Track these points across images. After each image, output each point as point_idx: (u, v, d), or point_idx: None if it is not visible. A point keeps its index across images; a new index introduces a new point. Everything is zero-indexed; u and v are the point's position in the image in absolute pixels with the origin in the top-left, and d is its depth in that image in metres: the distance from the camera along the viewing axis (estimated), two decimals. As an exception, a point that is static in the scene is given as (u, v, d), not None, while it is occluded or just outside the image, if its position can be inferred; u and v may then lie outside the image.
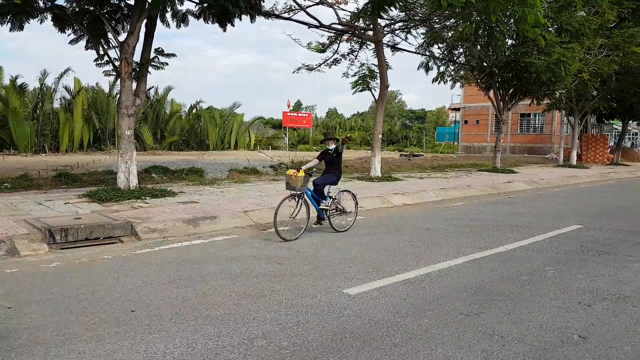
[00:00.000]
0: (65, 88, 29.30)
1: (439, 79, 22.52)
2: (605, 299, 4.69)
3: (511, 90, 21.79)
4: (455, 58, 21.47)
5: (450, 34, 18.46)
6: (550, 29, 18.41)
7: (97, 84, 31.43)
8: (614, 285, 5.16)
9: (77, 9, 10.57)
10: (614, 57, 21.79)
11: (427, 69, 21.09)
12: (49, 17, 10.44)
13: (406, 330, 3.84)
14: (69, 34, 10.89)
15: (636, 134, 48.67)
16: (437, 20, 16.41)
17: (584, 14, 20.80)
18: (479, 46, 19.40)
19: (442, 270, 5.64)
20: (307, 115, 48.41)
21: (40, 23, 10.56)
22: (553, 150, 38.06)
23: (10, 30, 9.98)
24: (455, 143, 49.95)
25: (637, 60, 22.12)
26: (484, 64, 20.57)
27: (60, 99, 29.28)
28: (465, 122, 47.93)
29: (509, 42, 19.63)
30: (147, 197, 9.67)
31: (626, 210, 11.11)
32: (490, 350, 3.52)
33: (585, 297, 4.73)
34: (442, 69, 22.05)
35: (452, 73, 22.87)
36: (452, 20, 16.45)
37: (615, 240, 7.51)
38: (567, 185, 17.37)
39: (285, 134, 43.98)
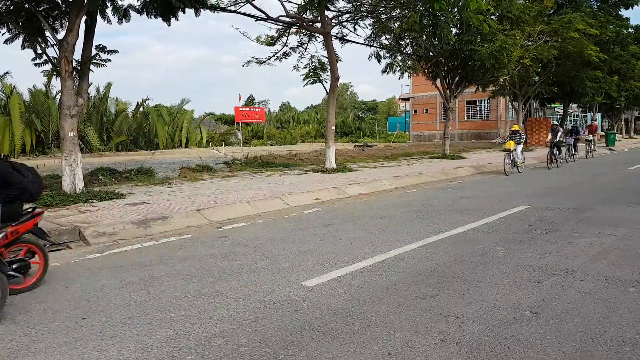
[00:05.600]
0: (2, 91, 27.83)
1: (387, 70, 22.82)
2: (554, 275, 4.89)
3: (457, 79, 22.36)
4: (402, 49, 21.79)
5: (396, 25, 18.72)
6: (492, 16, 19.01)
7: (34, 86, 30.03)
8: (561, 261, 5.38)
9: (12, 7, 10.00)
10: (553, 42, 22.75)
11: (379, 58, 21.31)
12: None
13: (365, 318, 3.87)
14: (4, 33, 10.36)
15: (577, 116, 51.14)
16: (383, 11, 16.58)
17: (524, 2, 21.61)
18: (424, 36, 19.77)
19: (398, 256, 5.72)
20: (259, 109, 48.03)
21: None
22: (499, 135, 39.48)
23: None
24: (407, 132, 50.93)
25: (575, 45, 23.22)
26: (430, 53, 21.00)
27: (-1, 102, 27.85)
28: (415, 111, 48.99)
29: (454, 31, 20.12)
30: (95, 200, 9.30)
31: (570, 189, 11.66)
32: (447, 331, 3.60)
33: (535, 274, 4.92)
34: (390, 59, 22.34)
35: (400, 63, 23.22)
36: (398, 11, 16.67)
37: (561, 218, 7.86)
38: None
39: (239, 130, 43.48)
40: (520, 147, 15.92)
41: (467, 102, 43.99)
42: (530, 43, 21.94)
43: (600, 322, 3.72)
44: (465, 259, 5.53)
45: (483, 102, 43.02)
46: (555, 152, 17.53)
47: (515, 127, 16.78)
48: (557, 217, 7.99)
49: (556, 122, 18.38)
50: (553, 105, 41.73)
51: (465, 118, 44.86)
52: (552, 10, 25.25)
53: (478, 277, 4.85)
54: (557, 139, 17.65)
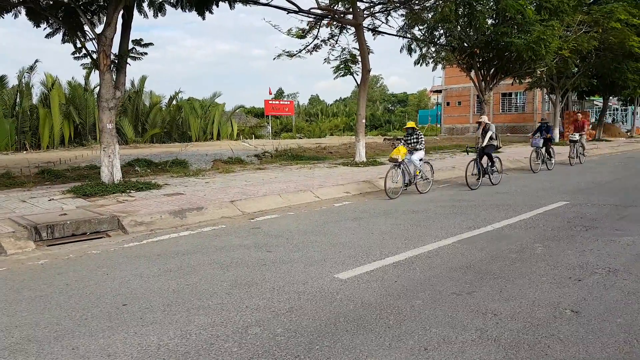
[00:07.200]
0: (43, 84, 28.72)
1: (420, 61, 22.53)
2: (595, 273, 4.75)
3: (492, 70, 21.89)
4: (436, 39, 21.46)
5: (430, 15, 18.44)
6: (530, 6, 18.48)
7: (73, 78, 30.92)
8: (603, 259, 5.23)
9: (52, 2, 10.29)
10: (593, 33, 21.97)
11: (410, 50, 21.05)
12: (23, 11, 10.21)
13: (399, 312, 3.85)
14: (45, 28, 10.68)
15: (617, 109, 49.35)
16: (416, 2, 16.35)
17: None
18: (459, 26, 19.41)
19: (432, 251, 5.66)
20: (289, 103, 48.18)
21: (15, 18, 10.38)
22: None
23: (-15, 25, 9.73)
24: (438, 125, 50.20)
25: (617, 35, 22.37)
26: (465, 44, 20.61)
27: (40, 94, 28.78)
28: (447, 104, 48.16)
29: (489, 21, 19.68)
30: (132, 191, 9.54)
31: (610, 185, 11.29)
32: (485, 328, 3.54)
33: (575, 272, 4.79)
34: (423, 50, 22.05)
35: (434, 55, 22.88)
36: (432, 1, 16.41)
37: (601, 215, 7.61)
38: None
39: (268, 123, 43.72)
40: (418, 155, 10.28)
41: (502, 95, 42.98)
42: (569, 34, 21.24)
43: (644, 323, 3.59)
44: (502, 256, 5.43)
45: (519, 94, 41.96)
46: (479, 162, 11.16)
47: (411, 124, 10.74)
48: (597, 213, 7.75)
49: (488, 121, 11.89)
50: (592, 98, 40.39)
51: (500, 111, 43.82)
52: (592, 0, 24.37)
53: (516, 274, 4.76)
54: (485, 143, 11.23)
